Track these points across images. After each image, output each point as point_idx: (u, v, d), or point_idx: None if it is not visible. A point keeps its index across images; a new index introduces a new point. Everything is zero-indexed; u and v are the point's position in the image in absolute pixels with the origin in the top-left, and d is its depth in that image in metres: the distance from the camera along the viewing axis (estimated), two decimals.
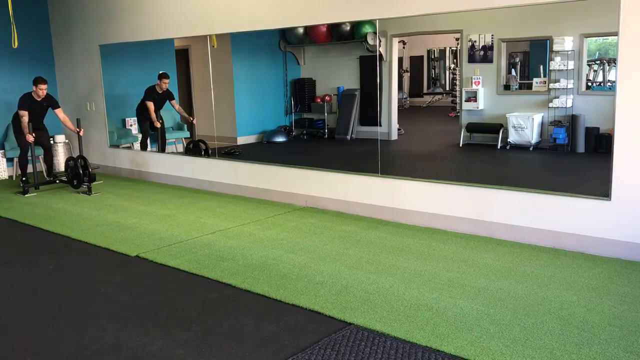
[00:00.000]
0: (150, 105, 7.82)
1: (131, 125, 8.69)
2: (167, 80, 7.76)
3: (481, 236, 4.98)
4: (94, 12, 8.38)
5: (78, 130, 7.40)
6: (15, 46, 6.93)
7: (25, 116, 7.19)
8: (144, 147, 8.18)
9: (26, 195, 7.14)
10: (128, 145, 8.63)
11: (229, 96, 7.77)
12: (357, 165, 6.17)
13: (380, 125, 6.14)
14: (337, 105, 7.35)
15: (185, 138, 8.61)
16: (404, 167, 6.43)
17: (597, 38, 5.17)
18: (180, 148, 8.60)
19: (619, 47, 4.16)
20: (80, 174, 7.19)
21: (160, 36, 7.51)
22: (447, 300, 3.64)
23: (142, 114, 8.08)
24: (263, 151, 7.18)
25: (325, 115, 7.50)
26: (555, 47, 5.19)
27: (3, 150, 8.56)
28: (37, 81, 7.26)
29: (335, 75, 7.36)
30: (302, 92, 7.60)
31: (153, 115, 7.84)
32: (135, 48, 8.07)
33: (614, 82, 4.26)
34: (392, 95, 6.66)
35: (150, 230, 5.48)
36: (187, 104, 8.78)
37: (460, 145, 6.14)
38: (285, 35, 7.38)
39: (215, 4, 6.79)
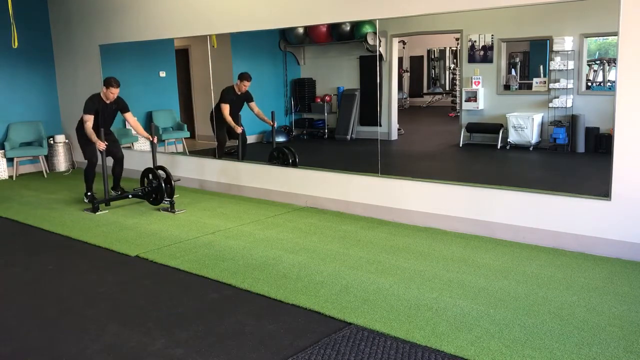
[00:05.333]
0: (226, 108, 7.05)
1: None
2: (248, 83, 6.94)
3: (481, 236, 4.98)
4: (94, 12, 8.38)
5: (151, 138, 6.47)
6: (15, 46, 6.92)
7: (89, 121, 6.30)
8: (220, 154, 7.33)
9: (97, 214, 6.20)
10: (128, 145, 8.63)
11: None
12: (357, 165, 6.17)
13: (380, 125, 6.13)
14: (337, 105, 7.35)
15: (185, 138, 8.62)
16: (404, 167, 6.43)
17: (597, 38, 5.16)
18: (180, 148, 8.61)
19: (619, 47, 4.16)
20: (162, 188, 6.15)
21: (160, 36, 7.51)
22: (447, 300, 3.64)
23: (217, 118, 7.20)
24: (263, 151, 7.17)
25: (325, 115, 7.50)
26: (555, 47, 5.19)
27: (3, 150, 8.56)
28: (109, 83, 6.29)
29: (335, 75, 7.36)
30: (302, 92, 7.60)
31: (229, 118, 7.02)
32: (135, 48, 8.07)
33: (614, 82, 4.26)
34: (392, 95, 6.66)
35: (150, 230, 5.48)
36: (187, 104, 8.79)
37: (460, 145, 6.14)
38: (285, 35, 7.38)
39: (215, 4, 6.79)
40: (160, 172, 6.24)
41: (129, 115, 6.65)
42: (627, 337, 3.09)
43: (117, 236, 5.31)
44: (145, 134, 6.59)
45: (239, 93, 7.02)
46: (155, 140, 6.55)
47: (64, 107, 9.39)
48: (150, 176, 6.33)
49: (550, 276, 4.00)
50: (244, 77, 6.99)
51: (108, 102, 6.41)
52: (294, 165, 6.59)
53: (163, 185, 6.15)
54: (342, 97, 7.27)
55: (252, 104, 7.10)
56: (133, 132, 7.74)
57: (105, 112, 6.47)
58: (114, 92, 6.33)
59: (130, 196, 6.48)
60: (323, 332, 3.26)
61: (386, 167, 5.74)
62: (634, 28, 4.08)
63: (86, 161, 6.64)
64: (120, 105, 6.56)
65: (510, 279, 3.97)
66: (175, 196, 6.30)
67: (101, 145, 6.20)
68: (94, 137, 6.24)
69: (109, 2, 8.12)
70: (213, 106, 7.28)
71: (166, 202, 6.26)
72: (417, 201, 5.42)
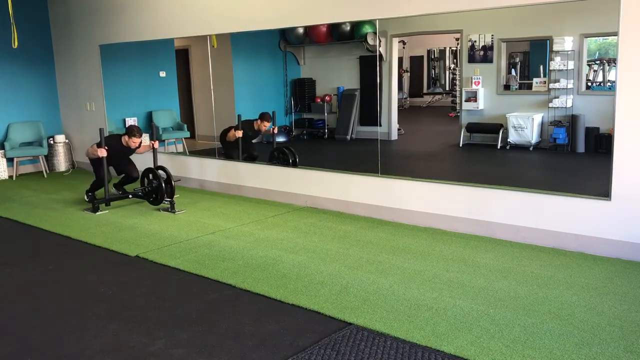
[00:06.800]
0: (232, 134, 6.95)
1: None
2: (268, 124, 6.95)
3: (481, 236, 4.98)
4: (94, 12, 8.38)
5: (153, 144, 6.55)
6: (15, 46, 6.90)
7: (94, 149, 6.28)
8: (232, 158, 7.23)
9: (97, 214, 6.20)
10: None
11: (229, 96, 7.77)
12: (357, 165, 6.17)
13: (380, 125, 6.14)
14: (337, 105, 7.35)
15: (185, 138, 8.62)
16: (404, 167, 6.43)
17: (597, 38, 5.16)
18: (180, 148, 8.60)
19: (619, 47, 4.16)
20: (162, 188, 6.14)
21: (160, 36, 7.51)
22: (447, 300, 3.64)
23: (226, 140, 7.17)
24: (264, 151, 7.17)
25: (325, 115, 7.50)
26: (555, 47, 5.19)
27: (3, 150, 8.56)
28: (132, 133, 6.28)
29: (335, 75, 7.36)
30: (302, 92, 7.60)
31: (234, 138, 6.96)
32: (135, 48, 8.07)
33: (614, 82, 4.26)
34: (392, 95, 6.66)
35: (150, 230, 5.48)
36: (187, 104, 8.78)
37: (460, 145, 6.14)
38: (285, 35, 7.37)
39: (215, 4, 6.79)
40: (161, 172, 6.24)
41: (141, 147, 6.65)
42: (627, 337, 3.09)
43: (117, 236, 5.30)
44: (146, 147, 6.60)
45: (257, 129, 7.00)
46: (157, 145, 6.55)
47: (64, 107, 9.39)
48: (151, 176, 6.33)
49: (550, 276, 4.00)
50: (264, 117, 6.94)
51: (126, 146, 6.41)
52: (294, 165, 6.59)
53: (163, 185, 6.15)
54: (342, 97, 7.27)
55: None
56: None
57: (122, 152, 6.47)
58: (135, 142, 6.32)
59: (130, 196, 6.49)
60: (323, 332, 3.26)
61: (386, 167, 5.74)
62: (634, 28, 4.08)
63: (97, 176, 6.56)
64: (138, 146, 6.51)
65: (510, 279, 3.97)
66: (175, 196, 6.30)
67: (102, 152, 6.17)
68: (96, 151, 6.22)
69: (109, 2, 8.12)
70: (224, 128, 7.17)
71: (166, 203, 6.26)
72: (417, 201, 5.42)
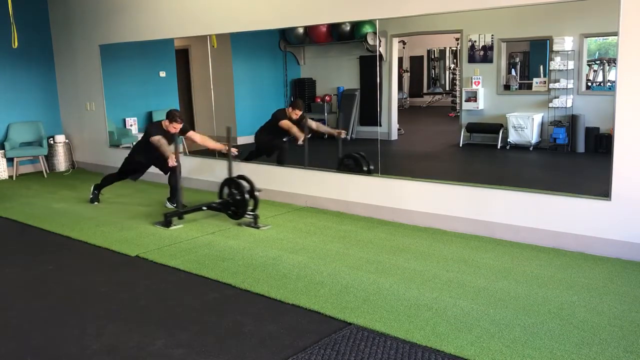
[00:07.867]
0: (286, 123, 6.48)
1: (131, 125, 8.69)
2: (299, 112, 6.44)
3: (481, 236, 4.98)
4: (94, 12, 8.38)
5: (227, 148, 5.82)
6: (15, 46, 6.90)
7: (161, 139, 5.78)
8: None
9: (171, 228, 5.50)
10: (128, 145, 8.63)
11: (229, 96, 7.77)
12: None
13: (380, 125, 6.13)
14: (337, 105, 7.35)
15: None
16: (404, 167, 6.43)
17: (597, 38, 5.17)
18: (180, 148, 8.59)
19: (619, 47, 4.16)
20: (245, 201, 5.49)
21: (160, 36, 7.51)
22: (447, 300, 3.64)
23: (264, 136, 6.89)
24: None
25: (325, 115, 7.50)
26: (555, 47, 5.19)
27: (3, 150, 8.56)
28: (173, 118, 5.77)
29: (335, 75, 7.36)
30: (302, 92, 7.60)
31: (287, 127, 6.42)
32: (135, 48, 8.07)
33: (614, 82, 4.26)
34: (392, 95, 6.66)
35: (150, 231, 5.47)
36: (187, 104, 8.79)
37: (460, 145, 6.14)
38: (285, 35, 7.37)
39: (215, 4, 6.79)
40: (243, 182, 5.56)
41: (193, 135, 6.12)
42: (627, 337, 3.09)
43: (117, 236, 5.30)
44: (219, 145, 6.04)
45: (295, 118, 6.50)
46: (235, 152, 5.92)
47: (64, 107, 9.39)
48: (232, 187, 5.63)
49: (550, 276, 4.00)
50: (297, 105, 6.47)
51: (168, 131, 5.92)
52: (369, 173, 5.91)
53: (247, 197, 5.50)
54: (342, 97, 7.27)
55: (309, 122, 6.60)
56: (131, 127, 7.41)
57: (166, 139, 5.90)
58: (176, 127, 5.83)
59: (204, 208, 5.81)
60: (323, 332, 3.26)
61: (386, 167, 5.74)
62: (634, 28, 4.08)
63: (117, 170, 6.37)
64: (182, 130, 5.98)
65: (510, 279, 3.97)
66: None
67: (172, 160, 5.63)
68: (168, 151, 5.71)
69: (109, 2, 8.12)
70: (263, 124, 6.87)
71: (249, 217, 5.56)
72: (417, 201, 5.42)
